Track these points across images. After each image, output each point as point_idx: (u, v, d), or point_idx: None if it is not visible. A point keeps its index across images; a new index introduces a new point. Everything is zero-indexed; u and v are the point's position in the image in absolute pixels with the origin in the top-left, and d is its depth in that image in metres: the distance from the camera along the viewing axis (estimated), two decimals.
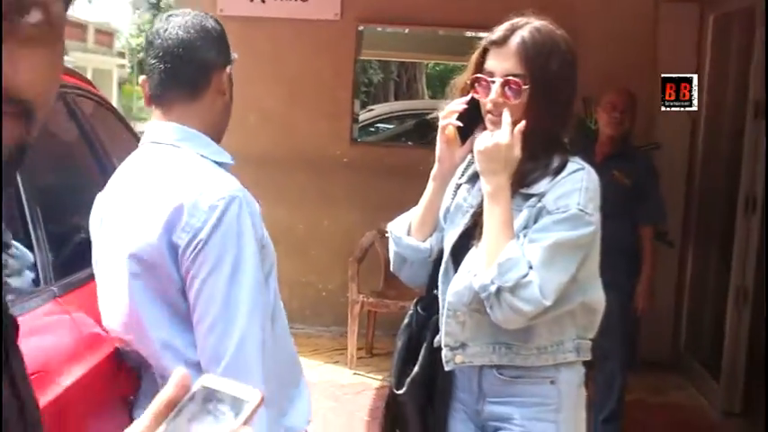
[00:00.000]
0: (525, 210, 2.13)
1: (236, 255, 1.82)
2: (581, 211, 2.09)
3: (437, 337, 2.26)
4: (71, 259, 2.41)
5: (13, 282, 0.66)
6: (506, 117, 2.10)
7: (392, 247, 2.36)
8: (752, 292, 5.18)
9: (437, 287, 2.28)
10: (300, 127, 6.54)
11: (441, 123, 2.23)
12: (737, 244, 5.30)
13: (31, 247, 2.13)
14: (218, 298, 1.82)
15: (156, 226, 1.83)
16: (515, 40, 2.13)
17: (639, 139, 5.13)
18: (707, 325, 6.05)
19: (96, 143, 2.94)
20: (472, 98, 2.19)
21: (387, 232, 2.40)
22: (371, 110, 11.06)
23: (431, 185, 2.29)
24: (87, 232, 2.14)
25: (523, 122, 2.11)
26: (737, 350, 5.28)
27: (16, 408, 0.74)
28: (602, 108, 4.60)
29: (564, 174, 2.14)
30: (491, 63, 2.16)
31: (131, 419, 2.06)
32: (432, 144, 2.31)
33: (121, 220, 1.93)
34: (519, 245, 2.07)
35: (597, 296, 2.23)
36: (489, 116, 2.16)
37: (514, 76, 2.12)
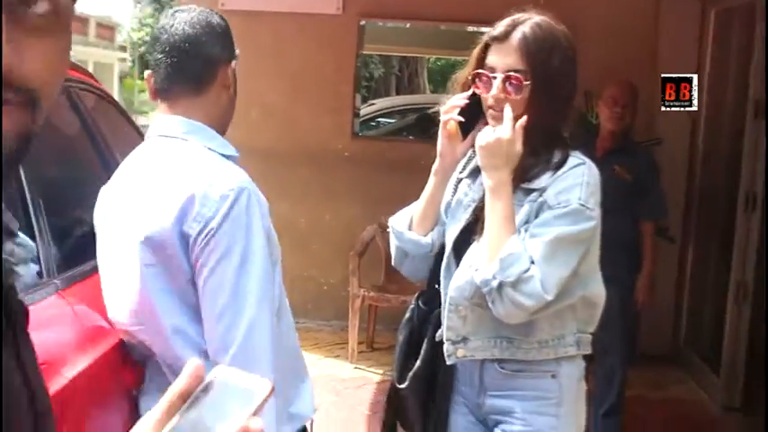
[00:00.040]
0: (526, 204, 2.14)
1: (245, 245, 1.85)
2: (582, 205, 2.10)
3: (439, 332, 2.27)
4: (74, 252, 2.42)
5: (20, 270, 0.66)
6: (508, 112, 2.11)
7: (394, 242, 2.37)
8: (752, 287, 5.19)
9: (438, 281, 2.29)
10: (302, 121, 6.54)
11: (442, 118, 2.24)
12: (738, 240, 5.31)
13: (33, 240, 2.14)
14: (226, 287, 1.84)
15: (169, 216, 1.85)
16: (516, 35, 2.14)
17: (640, 135, 5.13)
18: (707, 319, 6.06)
19: (99, 137, 2.94)
20: (473, 93, 2.20)
21: (388, 226, 2.41)
22: (373, 104, 11.04)
23: (432, 180, 2.31)
24: (90, 225, 2.15)
25: (525, 118, 2.12)
26: (737, 345, 5.29)
27: (27, 396, 0.74)
28: (603, 102, 4.59)
29: (565, 168, 2.15)
30: (492, 59, 2.17)
31: (137, 410, 2.08)
32: (433, 138, 2.32)
33: (132, 211, 1.94)
34: (520, 240, 2.08)
35: (598, 290, 2.24)
36: (491, 111, 2.17)
37: (516, 71, 2.13)
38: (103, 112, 3.22)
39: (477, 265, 2.12)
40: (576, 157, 2.20)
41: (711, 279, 6.00)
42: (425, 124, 8.91)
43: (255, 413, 0.70)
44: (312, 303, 6.41)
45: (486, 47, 2.20)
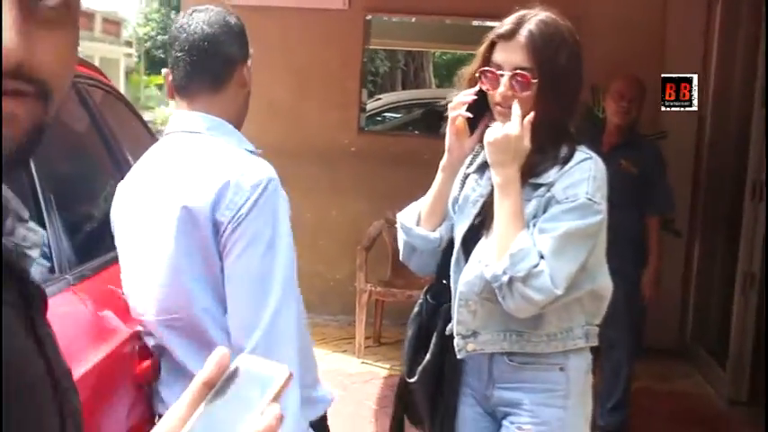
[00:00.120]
0: (534, 199, 2.16)
1: (272, 233, 1.90)
2: (589, 200, 2.12)
3: (449, 326, 2.29)
4: (85, 247, 2.43)
5: (33, 253, 0.68)
6: (516, 109, 2.13)
7: (402, 237, 2.39)
8: (759, 280, 5.18)
9: (446, 276, 2.31)
10: (309, 116, 6.55)
11: (450, 115, 2.26)
12: (744, 232, 5.30)
13: (46, 236, 2.16)
14: (253, 272, 1.89)
15: (205, 202, 1.90)
16: (523, 33, 2.15)
17: (646, 128, 5.12)
18: (714, 313, 6.06)
19: (107, 132, 2.96)
20: (479, 89, 2.22)
21: (395, 221, 2.43)
22: (379, 99, 11.05)
23: (440, 175, 2.32)
24: (100, 221, 2.17)
25: (532, 114, 2.13)
26: (744, 338, 5.28)
27: (49, 380, 0.75)
28: (610, 96, 4.60)
29: (572, 163, 2.17)
30: (499, 56, 2.18)
31: (151, 403, 2.10)
32: (438, 133, 2.33)
33: (165, 201, 1.97)
34: (529, 235, 2.10)
35: (605, 283, 2.26)
36: (498, 108, 2.19)
37: (523, 69, 2.14)
38: (111, 107, 3.24)
39: (487, 261, 2.14)
40: (582, 152, 2.21)
41: (718, 273, 6.00)
42: (431, 119, 8.92)
43: (275, 399, 0.71)
44: (319, 298, 6.42)
45: (493, 44, 2.21)
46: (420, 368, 2.33)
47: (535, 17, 2.18)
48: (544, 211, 2.14)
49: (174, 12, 26.96)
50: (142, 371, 2.11)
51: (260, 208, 1.89)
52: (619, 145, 4.46)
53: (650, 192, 4.51)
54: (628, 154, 4.42)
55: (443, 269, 2.34)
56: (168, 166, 2.03)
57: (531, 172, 2.16)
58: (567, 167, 2.16)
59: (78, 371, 1.86)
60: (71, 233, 2.36)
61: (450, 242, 2.33)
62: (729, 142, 5.96)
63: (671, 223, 5.14)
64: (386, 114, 10.63)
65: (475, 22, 7.20)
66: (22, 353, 0.72)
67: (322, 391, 2.21)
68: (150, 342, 2.12)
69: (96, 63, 4.39)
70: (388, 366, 5.64)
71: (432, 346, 2.33)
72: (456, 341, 2.25)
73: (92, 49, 25.86)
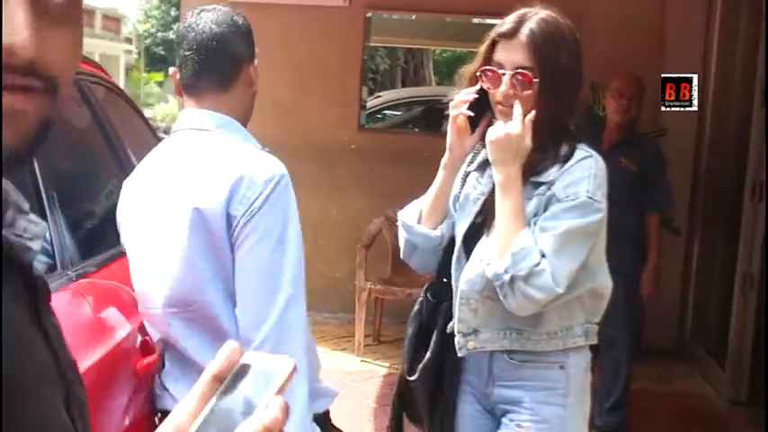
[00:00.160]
0: (535, 198, 2.17)
1: (283, 228, 1.93)
2: (590, 198, 2.13)
3: (449, 324, 2.29)
4: (88, 244, 2.44)
5: (34, 245, 0.68)
6: (517, 108, 2.14)
7: (403, 235, 2.39)
8: (758, 279, 5.19)
9: (447, 274, 2.31)
10: (309, 114, 6.55)
11: (451, 113, 2.27)
12: (744, 232, 5.30)
13: (48, 233, 2.16)
14: (264, 265, 1.92)
15: (220, 195, 1.92)
16: (524, 32, 2.16)
17: (646, 126, 5.13)
18: (713, 312, 6.06)
19: (109, 129, 2.96)
20: (480, 88, 2.22)
21: (395, 219, 2.43)
22: (379, 96, 11.03)
23: (441, 173, 2.33)
24: (103, 217, 2.18)
25: (533, 112, 2.14)
26: (744, 338, 5.29)
27: (56, 369, 0.75)
28: (609, 94, 4.60)
29: (572, 161, 2.18)
30: (500, 55, 2.19)
31: (152, 399, 2.11)
32: (438, 131, 2.34)
33: (178, 196, 1.99)
34: (530, 233, 2.10)
35: (605, 281, 2.27)
36: (499, 107, 2.20)
37: (524, 68, 2.15)
38: (113, 104, 3.24)
39: (488, 259, 2.15)
40: (582, 150, 2.22)
41: (717, 272, 6.00)
42: (431, 116, 8.91)
43: (280, 391, 0.71)
44: (319, 296, 6.41)
45: (494, 43, 2.22)
46: (420, 366, 2.34)
47: (536, 16, 2.18)
48: (545, 210, 2.15)
49: (173, 9, 26.98)
50: (143, 367, 2.12)
51: (272, 203, 1.92)
52: (618, 143, 4.47)
53: (650, 190, 4.51)
54: (628, 152, 4.43)
55: (444, 267, 2.35)
56: (179, 164, 2.05)
57: (531, 170, 2.17)
58: (567, 166, 2.17)
59: (83, 364, 1.87)
60: (73, 230, 2.37)
61: (451, 240, 2.33)
62: (729, 141, 5.96)
63: (670, 222, 5.15)
64: (386, 112, 10.61)
65: (475, 20, 7.19)
66: (30, 343, 0.72)
67: (325, 385, 2.23)
68: (155, 336, 2.14)
69: (96, 60, 4.38)
70: (387, 365, 5.65)
71: (432, 344, 2.33)
72: (457, 339, 2.26)
73: (92, 45, 25.86)
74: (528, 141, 2.14)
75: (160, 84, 28.87)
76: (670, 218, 5.09)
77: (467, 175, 2.36)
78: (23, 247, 0.74)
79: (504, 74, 2.17)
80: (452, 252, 2.31)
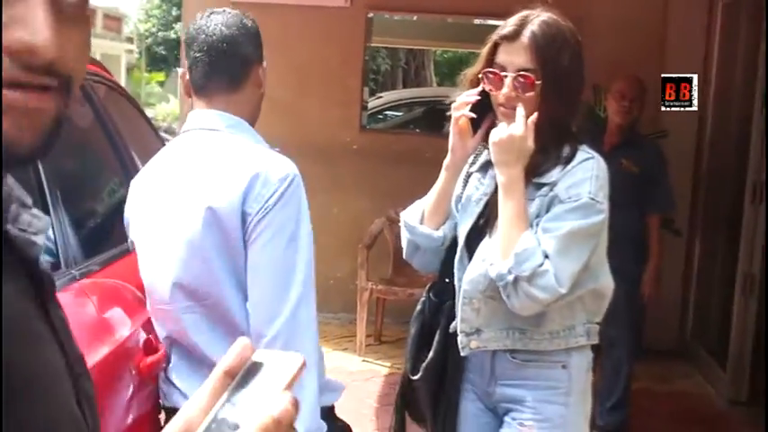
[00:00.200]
0: (537, 199, 2.18)
1: (295, 227, 1.97)
2: (592, 199, 2.14)
3: (453, 323, 2.31)
4: (92, 242, 2.44)
5: (38, 240, 0.69)
6: (520, 110, 2.15)
7: (405, 235, 2.40)
8: (759, 280, 5.20)
9: (449, 274, 2.33)
10: (310, 114, 6.55)
11: (453, 115, 2.28)
12: (745, 233, 5.31)
13: (52, 231, 2.17)
14: (277, 263, 1.95)
15: (235, 193, 1.95)
16: (526, 34, 2.17)
17: (647, 127, 5.13)
18: (714, 313, 6.07)
19: (112, 128, 2.97)
20: (482, 90, 2.23)
21: (396, 219, 2.44)
22: (380, 97, 11.05)
23: (443, 175, 2.34)
24: (106, 216, 2.19)
25: (536, 114, 2.15)
26: (744, 338, 5.29)
27: (64, 362, 0.76)
28: (611, 96, 4.62)
29: (574, 163, 2.19)
30: (502, 57, 2.20)
31: (156, 397, 2.12)
32: (439, 131, 2.35)
33: (191, 194, 2.01)
34: (533, 234, 2.11)
35: (607, 281, 2.29)
36: (501, 109, 2.21)
37: (526, 70, 2.17)
38: (115, 103, 3.25)
39: (492, 260, 2.17)
40: (584, 152, 2.23)
41: (718, 272, 6.00)
42: (432, 117, 8.93)
43: (289, 386, 0.72)
44: (320, 296, 6.31)
45: (496, 45, 2.23)
46: (423, 365, 2.35)
47: (538, 18, 2.20)
48: (547, 211, 2.16)
49: (174, 8, 26.94)
50: (147, 366, 2.13)
51: (285, 201, 1.96)
52: (620, 144, 4.48)
53: (651, 191, 4.52)
54: (629, 153, 4.44)
55: (446, 267, 2.36)
56: (191, 163, 2.07)
57: (534, 171, 2.19)
58: (569, 167, 2.19)
59: (88, 362, 1.87)
60: (77, 228, 2.38)
61: (454, 240, 2.35)
62: (730, 142, 5.97)
63: (671, 222, 5.15)
64: (387, 112, 10.63)
65: (476, 21, 7.21)
66: (39, 337, 0.73)
67: (332, 378, 2.26)
68: (162, 334, 2.15)
69: (98, 59, 4.39)
70: (388, 364, 5.66)
71: (435, 343, 2.35)
72: (460, 338, 2.28)
73: (93, 45, 25.62)
74: (531, 143, 2.15)
75: (161, 83, 28.85)
76: (671, 218, 5.10)
77: (469, 175, 2.37)
78: (28, 241, 0.74)
79: (506, 76, 2.19)
80: (455, 252, 2.32)
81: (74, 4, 0.71)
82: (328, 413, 2.22)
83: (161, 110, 23.63)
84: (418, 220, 2.38)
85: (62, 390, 0.75)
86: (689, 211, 6.11)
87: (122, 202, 2.25)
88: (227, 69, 2.09)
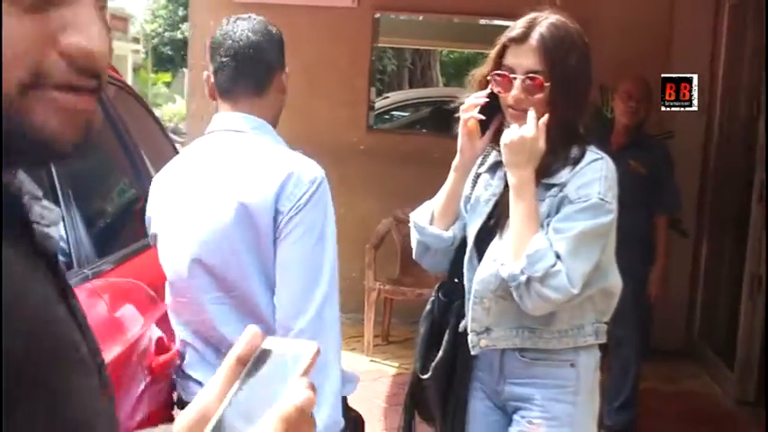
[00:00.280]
0: (547, 199, 2.20)
1: (323, 226, 2.04)
2: (601, 199, 2.16)
3: (462, 322, 2.32)
4: (103, 242, 2.46)
5: (52, 232, 0.70)
6: (532, 112, 2.17)
7: (415, 236, 2.42)
8: (766, 279, 5.19)
9: (459, 274, 2.34)
10: (317, 114, 6.56)
11: (462, 116, 2.30)
12: (752, 232, 5.31)
13: (65, 231, 2.19)
14: (306, 260, 2.02)
15: (270, 191, 2.01)
16: (534, 36, 2.19)
17: (653, 128, 5.14)
18: (721, 313, 6.06)
19: (122, 128, 2.99)
20: (490, 91, 2.25)
21: (403, 219, 2.46)
22: (387, 97, 11.04)
23: (452, 175, 2.36)
24: (118, 215, 2.20)
25: (547, 116, 2.17)
26: (752, 338, 5.29)
27: (90, 351, 0.77)
28: (618, 97, 4.62)
29: (583, 163, 2.21)
30: (511, 60, 2.22)
31: (169, 395, 2.13)
32: (446, 132, 2.37)
33: (223, 192, 2.06)
34: (545, 235, 2.13)
35: (615, 281, 2.31)
36: (510, 111, 2.23)
37: (535, 72, 2.18)
38: (124, 102, 3.26)
39: (503, 260, 2.18)
40: (593, 152, 2.25)
41: (725, 272, 6.00)
42: (439, 117, 8.92)
43: (305, 373, 0.73)
44: None
45: (504, 47, 2.24)
46: (433, 364, 2.37)
47: (546, 20, 2.21)
48: (557, 211, 2.18)
49: (181, 8, 26.96)
50: (159, 365, 2.14)
51: (315, 201, 2.02)
52: (627, 145, 4.48)
53: (659, 191, 4.52)
54: (637, 154, 4.44)
55: (455, 267, 2.38)
56: (221, 161, 2.12)
57: (543, 172, 2.20)
58: (578, 168, 2.20)
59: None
60: (89, 227, 2.39)
61: (463, 241, 2.37)
62: (736, 143, 5.97)
63: (678, 223, 5.16)
64: (394, 113, 10.62)
65: (482, 21, 7.21)
66: (63, 323, 0.74)
67: (349, 371, 2.31)
68: (179, 329, 2.18)
69: None
70: (396, 364, 5.66)
71: (444, 342, 2.36)
72: (470, 337, 2.29)
73: None
74: (542, 144, 2.16)
75: (168, 84, 28.87)
76: (678, 219, 5.10)
77: (477, 176, 2.39)
78: (44, 234, 0.75)
79: (515, 78, 2.20)
80: (464, 252, 2.34)
81: (103, 7, 0.73)
82: (342, 404, 2.25)
83: (167, 110, 23.65)
84: (428, 221, 2.39)
85: (89, 377, 0.76)
86: (696, 211, 6.11)
87: (133, 200, 2.27)
88: (252, 74, 2.15)
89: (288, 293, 2.02)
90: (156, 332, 2.21)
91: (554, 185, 2.21)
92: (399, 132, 8.76)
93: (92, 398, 0.75)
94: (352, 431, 2.34)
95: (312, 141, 6.53)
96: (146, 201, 2.23)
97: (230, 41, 2.15)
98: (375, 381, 5.39)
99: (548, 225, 2.17)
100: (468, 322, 2.30)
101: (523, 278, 2.12)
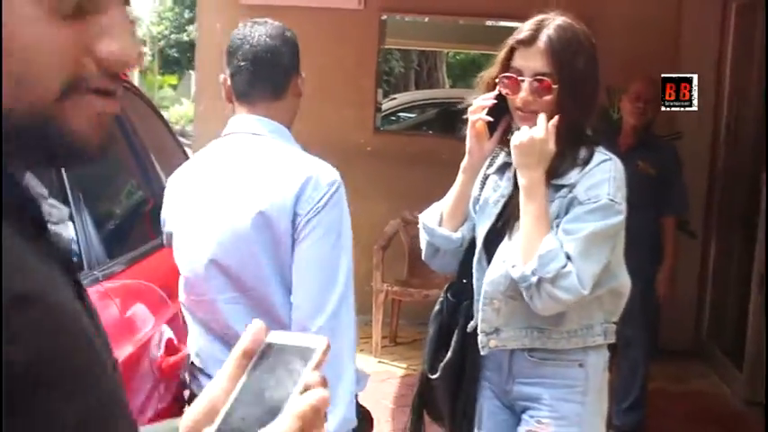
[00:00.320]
0: (557, 200, 2.21)
1: (340, 229, 2.07)
2: (611, 200, 2.17)
3: (471, 322, 2.33)
4: (113, 243, 2.47)
5: (60, 229, 0.71)
6: (542, 115, 2.17)
7: (424, 238, 2.43)
8: None
9: (467, 275, 2.35)
10: (324, 116, 6.55)
11: (470, 118, 2.31)
12: (761, 232, 5.30)
13: (75, 233, 2.20)
14: (324, 261, 2.05)
15: (289, 193, 2.04)
16: (542, 39, 2.20)
17: (661, 128, 5.13)
18: (730, 313, 6.05)
19: (130, 129, 2.99)
20: (498, 93, 2.25)
21: (411, 221, 2.47)
22: (394, 99, 11.06)
23: (461, 177, 2.36)
24: (128, 217, 2.21)
25: (557, 117, 2.17)
26: (760, 338, 5.26)
27: (107, 349, 0.78)
28: (626, 97, 4.61)
29: (592, 164, 2.22)
30: (519, 62, 2.23)
31: (180, 395, 2.14)
32: (453, 133, 2.37)
33: (241, 193, 2.09)
34: (555, 236, 2.13)
35: (625, 280, 2.31)
36: (519, 113, 2.24)
37: (543, 74, 2.19)
38: (131, 103, 3.27)
39: (513, 261, 2.19)
40: (602, 153, 2.26)
41: (734, 273, 5.99)
42: (445, 119, 8.93)
43: (317, 367, 0.73)
44: None
45: (512, 50, 2.25)
46: (442, 364, 2.38)
47: (553, 23, 2.22)
48: (566, 212, 2.19)
49: (187, 11, 26.99)
50: (169, 366, 2.15)
51: (333, 204, 2.06)
52: (635, 146, 4.47)
53: (667, 192, 4.52)
54: (645, 155, 4.44)
55: (464, 268, 2.39)
56: (239, 164, 2.15)
57: (553, 173, 2.21)
58: (587, 169, 2.21)
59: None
60: (99, 229, 2.40)
61: (472, 242, 2.37)
62: (744, 143, 5.95)
63: (686, 224, 5.15)
64: (400, 114, 10.64)
65: (488, 23, 7.22)
66: (86, 319, 0.75)
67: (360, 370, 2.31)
68: (193, 329, 2.19)
69: None
70: (404, 366, 5.66)
71: (453, 342, 2.37)
72: (480, 338, 2.30)
73: None
74: (551, 146, 2.17)
75: (174, 86, 28.91)
76: (686, 220, 5.09)
77: (486, 177, 2.40)
78: (55, 233, 0.76)
79: (523, 80, 2.21)
80: (472, 253, 2.34)
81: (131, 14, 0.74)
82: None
83: (174, 112, 23.66)
84: (437, 223, 2.40)
85: (111, 372, 0.76)
86: (704, 211, 6.10)
87: (142, 202, 2.28)
88: (269, 78, 2.18)
89: (305, 293, 2.04)
90: (166, 333, 2.21)
91: (563, 186, 2.21)
92: (406, 134, 8.77)
93: (118, 392, 0.76)
94: (360, 427, 2.36)
95: (319, 143, 6.50)
96: (155, 203, 2.25)
97: (248, 45, 2.17)
98: (383, 382, 5.39)
99: (557, 226, 2.18)
100: (477, 323, 2.31)
101: (534, 279, 2.13)
